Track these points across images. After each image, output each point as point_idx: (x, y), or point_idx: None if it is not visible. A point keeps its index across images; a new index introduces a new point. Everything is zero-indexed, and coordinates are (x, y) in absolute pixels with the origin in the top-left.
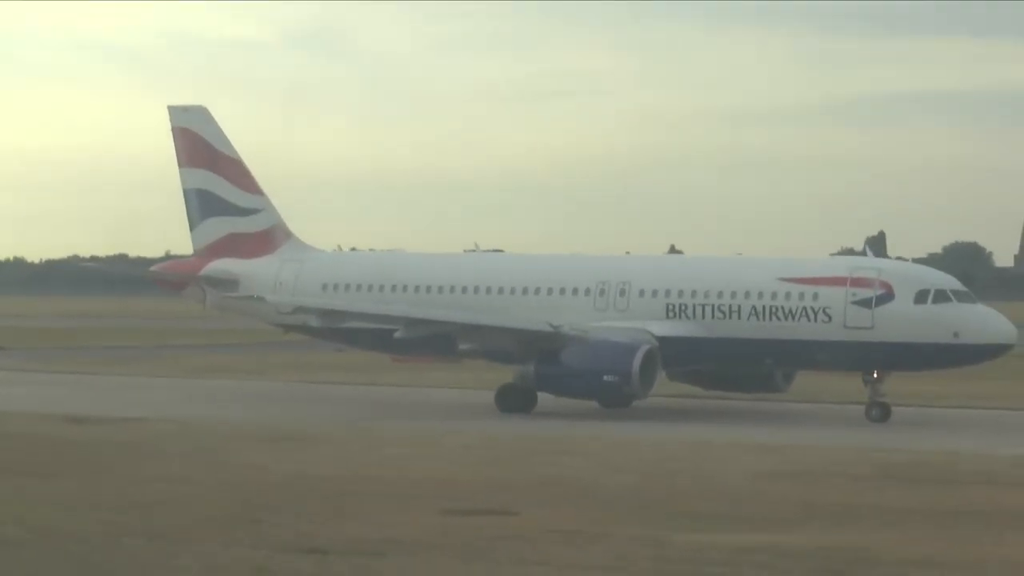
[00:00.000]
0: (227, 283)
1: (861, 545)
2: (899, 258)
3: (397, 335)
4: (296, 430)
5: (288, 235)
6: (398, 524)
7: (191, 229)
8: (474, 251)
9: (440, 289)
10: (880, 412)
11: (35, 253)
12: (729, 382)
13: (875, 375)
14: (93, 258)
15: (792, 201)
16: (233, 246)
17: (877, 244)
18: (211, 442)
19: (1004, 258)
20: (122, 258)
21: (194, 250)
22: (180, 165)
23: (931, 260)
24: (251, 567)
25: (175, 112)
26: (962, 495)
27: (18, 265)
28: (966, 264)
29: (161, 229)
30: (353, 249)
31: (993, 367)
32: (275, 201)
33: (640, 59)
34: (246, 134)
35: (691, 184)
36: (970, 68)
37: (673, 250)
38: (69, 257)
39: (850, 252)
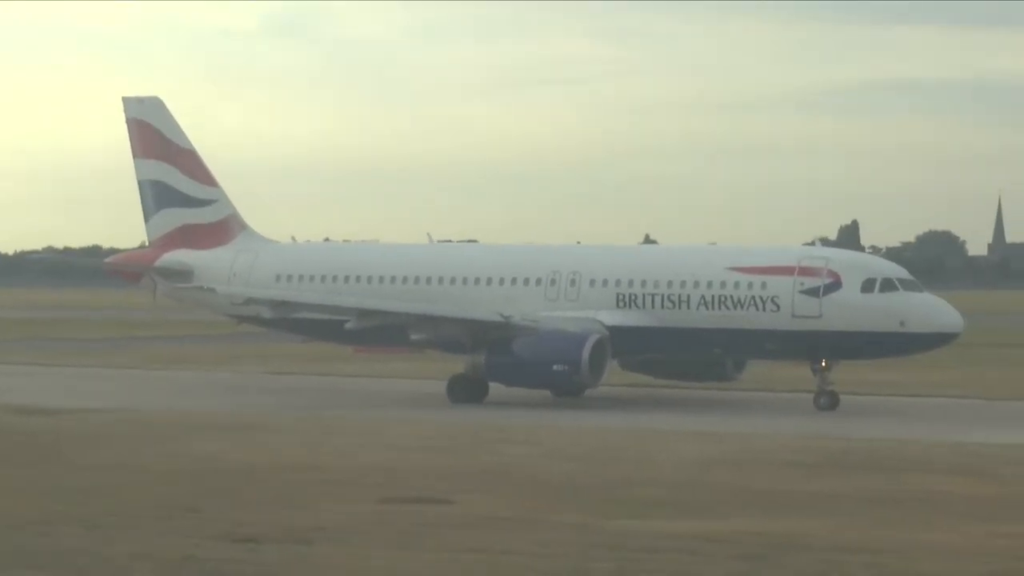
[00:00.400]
0: (181, 274)
1: (791, 531)
2: (872, 248)
3: (348, 326)
4: (249, 419)
5: (243, 226)
6: (334, 512)
7: (146, 220)
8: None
9: (393, 279)
10: (828, 400)
11: (9, 244)
12: (680, 371)
13: (823, 364)
14: (66, 249)
15: (767, 190)
16: (187, 237)
17: (850, 233)
18: (163, 431)
19: (978, 246)
20: (95, 249)
21: (149, 241)
22: (135, 156)
23: (904, 248)
24: (180, 555)
25: (129, 103)
26: (899, 482)
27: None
28: (939, 252)
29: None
30: (308, 241)
31: (951, 356)
32: (240, 191)
33: (616, 47)
34: (210, 123)
35: (665, 173)
36: (945, 57)
37: (648, 239)
38: (43, 248)
39: (825, 241)
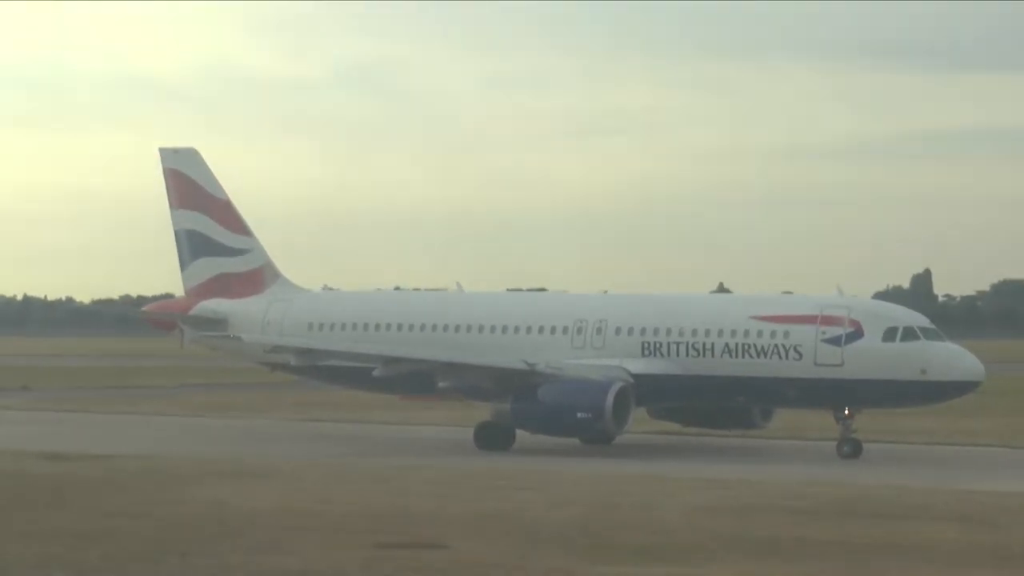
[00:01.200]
0: (216, 323)
1: None
2: (946, 296)
3: (375, 373)
4: (265, 466)
5: (276, 275)
6: (325, 556)
7: (182, 270)
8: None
9: (422, 327)
10: (852, 448)
11: (86, 293)
12: (707, 419)
13: (847, 412)
14: (139, 298)
15: (840, 238)
16: (222, 286)
17: (923, 281)
18: (178, 478)
19: None
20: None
21: (185, 290)
22: (171, 207)
23: (978, 297)
24: None
25: (166, 154)
26: (892, 529)
27: (68, 305)
28: (1014, 301)
29: None
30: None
31: (1002, 404)
32: (320, 241)
33: (687, 95)
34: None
35: (737, 222)
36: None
37: (722, 288)
38: (120, 297)
39: (898, 290)
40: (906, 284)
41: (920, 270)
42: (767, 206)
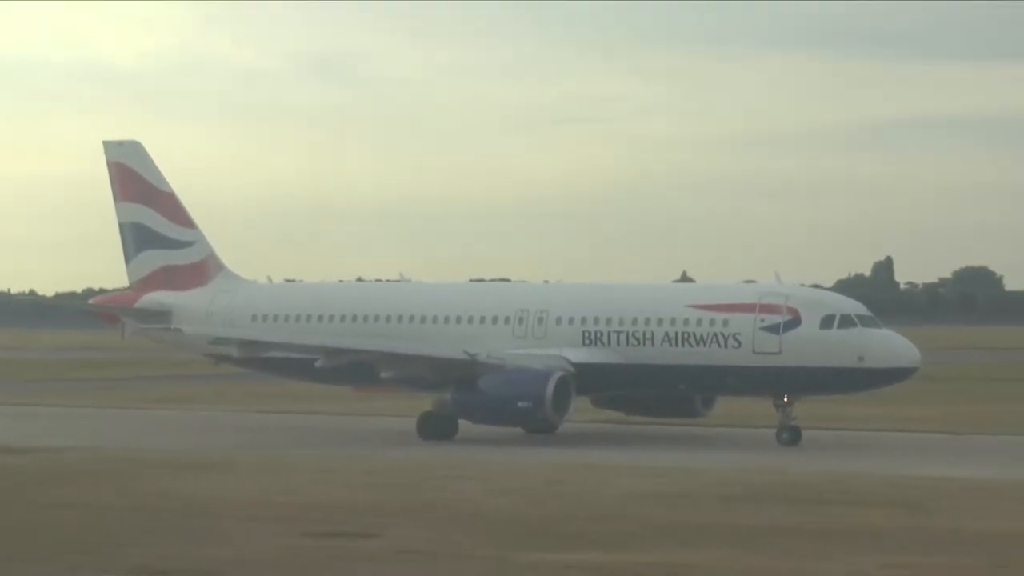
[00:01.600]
0: (161, 315)
1: (683, 562)
2: (908, 284)
3: (317, 364)
4: (213, 458)
5: (220, 267)
6: (254, 546)
7: (127, 262)
8: (401, 280)
9: (366, 318)
10: (790, 435)
11: (50, 286)
12: (650, 408)
13: (786, 399)
14: (101, 291)
15: (804, 227)
16: (167, 278)
17: (884, 269)
18: (126, 470)
19: (1017, 281)
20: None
21: (130, 283)
22: (115, 199)
23: (940, 284)
24: None
25: (110, 147)
26: (823, 514)
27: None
28: (974, 288)
29: None
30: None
31: (959, 390)
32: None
33: (647, 85)
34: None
35: (701, 211)
36: (984, 91)
37: (685, 277)
38: (83, 291)
39: (859, 277)
40: (868, 271)
41: (882, 258)
42: (727, 197)
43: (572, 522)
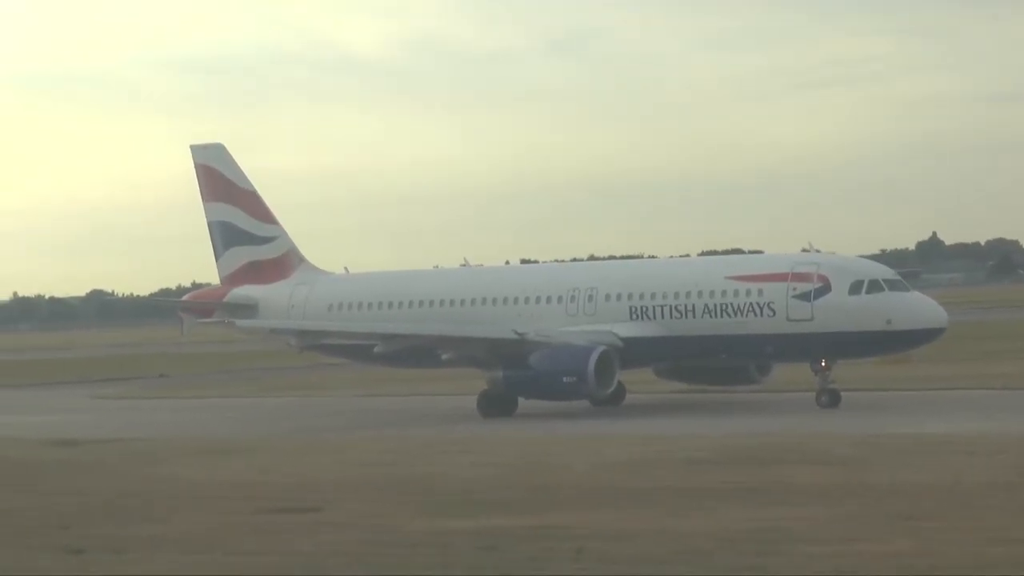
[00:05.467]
0: (248, 308)
1: (559, 524)
2: None
3: (376, 350)
4: (247, 443)
5: (301, 260)
6: (201, 523)
7: (216, 259)
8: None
9: (431, 303)
10: (830, 398)
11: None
12: (709, 377)
13: (823, 364)
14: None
15: None
16: (253, 273)
17: None
18: (153, 457)
19: None
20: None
21: (220, 278)
22: (203, 200)
23: None
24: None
25: (196, 151)
26: (758, 475)
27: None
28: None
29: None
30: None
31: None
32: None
33: (897, 45)
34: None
35: (948, 170)
36: None
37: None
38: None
39: None
40: None
41: None
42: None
43: (511, 490)
